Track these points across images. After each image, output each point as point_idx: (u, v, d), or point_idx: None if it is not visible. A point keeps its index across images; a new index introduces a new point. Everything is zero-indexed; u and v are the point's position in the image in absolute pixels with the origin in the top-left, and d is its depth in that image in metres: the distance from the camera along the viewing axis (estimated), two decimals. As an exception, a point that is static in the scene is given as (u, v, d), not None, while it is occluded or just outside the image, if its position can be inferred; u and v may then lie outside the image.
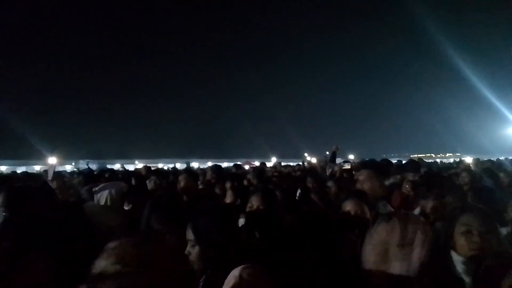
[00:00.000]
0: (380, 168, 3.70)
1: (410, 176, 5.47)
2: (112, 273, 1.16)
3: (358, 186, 3.32)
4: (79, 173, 8.63)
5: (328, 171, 7.07)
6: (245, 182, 6.10)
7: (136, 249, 1.24)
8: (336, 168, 7.36)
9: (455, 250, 1.93)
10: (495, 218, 2.42)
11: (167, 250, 1.42)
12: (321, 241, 2.06)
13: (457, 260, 1.89)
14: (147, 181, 5.46)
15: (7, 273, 1.54)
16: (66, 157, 42.56)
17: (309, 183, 5.49)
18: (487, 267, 1.64)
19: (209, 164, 42.30)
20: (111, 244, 1.29)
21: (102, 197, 3.55)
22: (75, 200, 3.84)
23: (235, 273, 1.69)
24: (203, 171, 10.09)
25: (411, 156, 63.53)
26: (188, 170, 6.32)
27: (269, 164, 31.61)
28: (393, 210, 3.29)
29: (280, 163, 14.17)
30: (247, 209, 2.88)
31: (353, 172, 6.32)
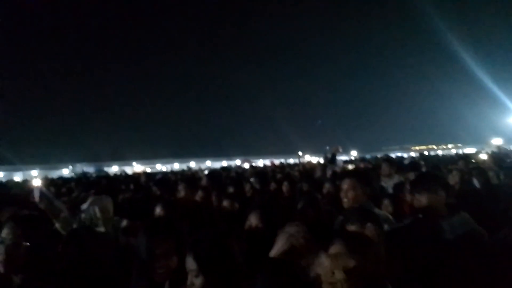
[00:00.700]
0: (363, 175, 3.65)
1: (412, 176, 5.38)
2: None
3: (342, 195, 3.29)
4: (76, 182, 8.46)
5: (329, 173, 6.90)
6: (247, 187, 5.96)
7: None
8: (337, 169, 7.23)
9: None
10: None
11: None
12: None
13: None
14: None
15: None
16: (62, 160, 42.46)
17: (305, 187, 5.35)
18: None
19: (208, 163, 42.40)
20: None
21: (87, 216, 3.50)
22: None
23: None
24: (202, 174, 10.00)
25: (412, 148, 64.00)
26: (187, 178, 6.17)
27: (265, 162, 31.83)
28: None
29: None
30: (246, 227, 2.79)
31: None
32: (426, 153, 32.03)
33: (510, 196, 4.24)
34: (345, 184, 3.21)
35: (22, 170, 34.56)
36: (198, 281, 1.86)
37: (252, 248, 2.38)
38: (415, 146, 66.11)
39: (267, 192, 5.63)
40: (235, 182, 5.84)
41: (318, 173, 8.11)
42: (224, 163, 37.91)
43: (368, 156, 24.92)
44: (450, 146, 62.53)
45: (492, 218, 2.94)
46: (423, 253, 2.35)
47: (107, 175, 16.69)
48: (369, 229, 2.18)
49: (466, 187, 5.03)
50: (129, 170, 35.38)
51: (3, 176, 30.15)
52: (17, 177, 27.77)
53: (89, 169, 34.93)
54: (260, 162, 32.62)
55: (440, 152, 37.80)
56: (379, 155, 25.72)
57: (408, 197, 4.27)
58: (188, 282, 1.87)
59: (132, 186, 6.65)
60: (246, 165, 21.34)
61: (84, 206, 3.70)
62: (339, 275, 1.75)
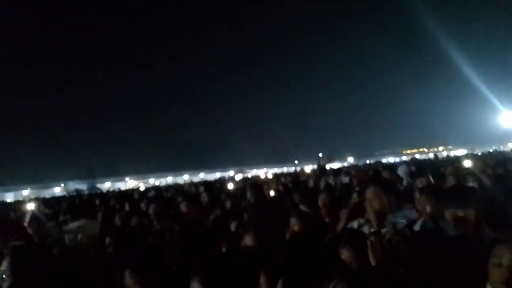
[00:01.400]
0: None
1: (419, 183, 5.41)
2: None
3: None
4: (67, 203, 8.29)
5: (322, 184, 6.85)
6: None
7: None
8: (330, 181, 7.18)
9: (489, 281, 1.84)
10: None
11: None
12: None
13: None
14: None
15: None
16: (54, 178, 42.01)
17: (296, 199, 5.29)
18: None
19: (202, 175, 42.18)
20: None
21: (73, 239, 3.50)
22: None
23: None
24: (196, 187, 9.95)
25: (404, 151, 64.52)
26: (188, 195, 6.11)
27: (260, 172, 31.76)
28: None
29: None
30: (241, 247, 2.76)
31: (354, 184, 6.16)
32: (417, 156, 32.26)
33: (505, 197, 4.26)
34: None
35: (13, 191, 34.14)
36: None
37: (247, 268, 2.36)
38: (406, 150, 66.79)
39: (261, 206, 5.58)
40: (230, 197, 5.81)
41: (311, 183, 8.09)
42: (218, 175, 37.82)
43: (360, 163, 25.01)
44: (440, 148, 63.17)
45: (490, 218, 2.94)
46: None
47: (101, 193, 16.50)
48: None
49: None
50: (122, 185, 35.17)
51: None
52: (9, 197, 27.45)
53: (82, 186, 34.56)
54: (254, 172, 32.57)
55: (431, 155, 38.34)
56: (372, 161, 25.80)
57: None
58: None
59: (127, 206, 6.53)
60: (240, 176, 21.28)
61: (71, 227, 3.68)
62: None
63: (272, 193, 6.42)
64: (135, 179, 40.79)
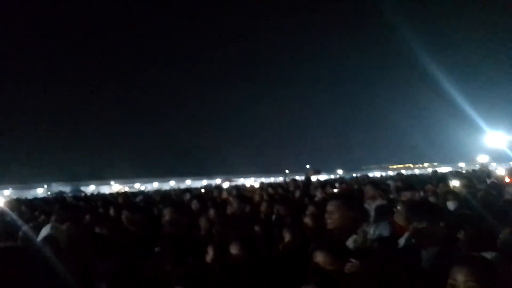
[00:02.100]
0: (351, 197, 3.68)
1: (404, 196, 5.42)
2: None
3: (326, 216, 3.28)
4: (48, 204, 8.12)
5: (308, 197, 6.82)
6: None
7: None
8: (317, 193, 7.15)
9: None
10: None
11: None
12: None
13: None
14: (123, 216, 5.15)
15: None
16: (37, 179, 41.23)
17: (281, 211, 5.25)
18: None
19: (188, 182, 41.81)
20: None
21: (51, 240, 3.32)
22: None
23: None
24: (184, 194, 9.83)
25: (390, 166, 65.15)
26: (174, 203, 6.04)
27: (248, 181, 31.72)
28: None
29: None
30: (229, 257, 2.74)
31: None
32: (403, 172, 32.51)
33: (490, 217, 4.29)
34: (331, 206, 3.21)
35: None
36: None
37: (234, 278, 2.33)
38: (393, 165, 67.39)
39: (248, 215, 5.54)
40: (217, 204, 5.75)
41: (298, 194, 8.06)
42: (205, 182, 37.59)
43: (347, 177, 25.20)
44: (426, 165, 63.97)
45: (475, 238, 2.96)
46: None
47: (85, 196, 16.23)
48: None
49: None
50: (107, 189, 34.64)
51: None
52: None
53: (66, 188, 33.95)
54: (242, 181, 32.40)
55: (416, 171, 38.83)
56: (358, 175, 26.03)
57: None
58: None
59: (112, 211, 6.36)
60: (227, 184, 21.19)
61: (44, 232, 3.57)
62: None
63: (259, 203, 6.39)
64: (120, 183, 40.32)
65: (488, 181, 9.73)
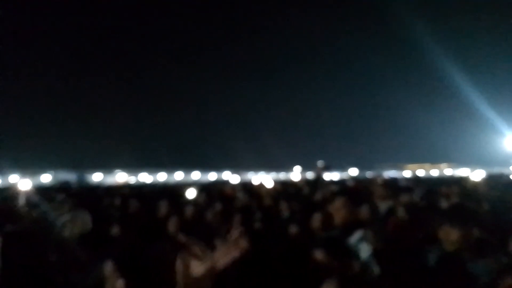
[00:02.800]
0: (355, 195, 3.76)
1: (404, 199, 5.35)
2: None
3: (332, 213, 3.35)
4: (60, 192, 8.10)
5: (318, 196, 6.70)
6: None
7: None
8: (326, 191, 7.04)
9: None
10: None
11: None
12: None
13: None
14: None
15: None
16: (44, 166, 41.33)
17: (288, 208, 5.21)
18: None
19: (195, 175, 41.70)
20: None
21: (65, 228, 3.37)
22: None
23: None
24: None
25: (405, 166, 62.99)
26: (171, 196, 6.00)
27: (257, 176, 31.34)
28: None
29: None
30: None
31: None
32: (419, 172, 31.55)
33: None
34: (335, 204, 3.35)
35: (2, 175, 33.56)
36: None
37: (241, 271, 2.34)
38: (408, 165, 64.62)
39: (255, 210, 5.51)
40: (223, 198, 5.73)
41: (306, 191, 8.02)
42: (213, 176, 37.58)
43: (359, 175, 24.92)
44: (443, 166, 61.58)
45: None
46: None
47: (91, 185, 16.35)
48: None
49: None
50: (111, 179, 34.71)
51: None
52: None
53: (71, 176, 33.99)
54: (251, 176, 31.96)
55: (433, 172, 37.56)
56: (371, 174, 25.49)
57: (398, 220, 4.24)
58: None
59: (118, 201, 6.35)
60: (236, 179, 20.96)
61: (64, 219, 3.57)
62: None
63: (268, 198, 6.35)
64: (126, 173, 40.29)
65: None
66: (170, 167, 46.83)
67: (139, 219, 4.63)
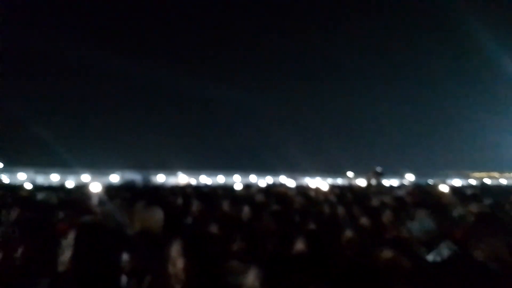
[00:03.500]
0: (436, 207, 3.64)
1: (474, 208, 5.12)
2: None
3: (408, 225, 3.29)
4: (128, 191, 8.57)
5: (376, 201, 6.44)
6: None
7: None
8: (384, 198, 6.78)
9: None
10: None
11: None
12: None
13: None
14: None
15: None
16: (110, 166, 43.61)
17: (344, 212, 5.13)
18: None
19: (252, 178, 42.09)
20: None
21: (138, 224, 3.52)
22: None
23: None
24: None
25: (471, 174, 57.84)
26: (232, 197, 6.15)
27: (313, 181, 31.03)
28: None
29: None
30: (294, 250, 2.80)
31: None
32: (486, 181, 29.03)
33: None
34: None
35: (73, 174, 36.08)
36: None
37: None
38: (474, 172, 59.48)
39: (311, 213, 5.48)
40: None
41: (363, 195, 7.84)
42: (269, 179, 37.78)
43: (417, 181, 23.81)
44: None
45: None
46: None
47: (155, 186, 17.11)
48: None
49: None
50: (173, 180, 36.02)
51: (59, 180, 31.84)
52: (70, 181, 29.14)
53: (136, 177, 35.56)
54: (307, 180, 31.62)
55: (503, 181, 34.41)
56: (433, 180, 24.13)
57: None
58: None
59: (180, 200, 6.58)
60: (292, 183, 20.81)
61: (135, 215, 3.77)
62: None
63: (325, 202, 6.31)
64: (187, 175, 41.50)
65: None
66: (228, 170, 47.72)
67: (201, 218, 4.78)
